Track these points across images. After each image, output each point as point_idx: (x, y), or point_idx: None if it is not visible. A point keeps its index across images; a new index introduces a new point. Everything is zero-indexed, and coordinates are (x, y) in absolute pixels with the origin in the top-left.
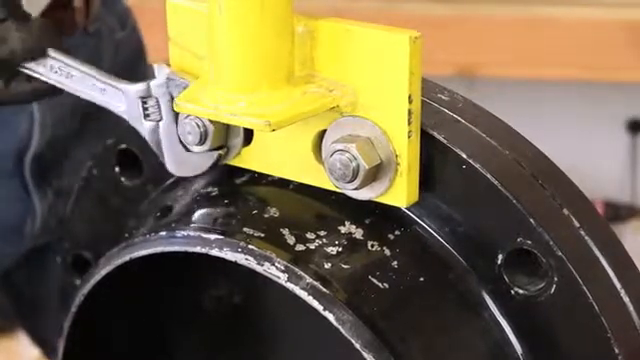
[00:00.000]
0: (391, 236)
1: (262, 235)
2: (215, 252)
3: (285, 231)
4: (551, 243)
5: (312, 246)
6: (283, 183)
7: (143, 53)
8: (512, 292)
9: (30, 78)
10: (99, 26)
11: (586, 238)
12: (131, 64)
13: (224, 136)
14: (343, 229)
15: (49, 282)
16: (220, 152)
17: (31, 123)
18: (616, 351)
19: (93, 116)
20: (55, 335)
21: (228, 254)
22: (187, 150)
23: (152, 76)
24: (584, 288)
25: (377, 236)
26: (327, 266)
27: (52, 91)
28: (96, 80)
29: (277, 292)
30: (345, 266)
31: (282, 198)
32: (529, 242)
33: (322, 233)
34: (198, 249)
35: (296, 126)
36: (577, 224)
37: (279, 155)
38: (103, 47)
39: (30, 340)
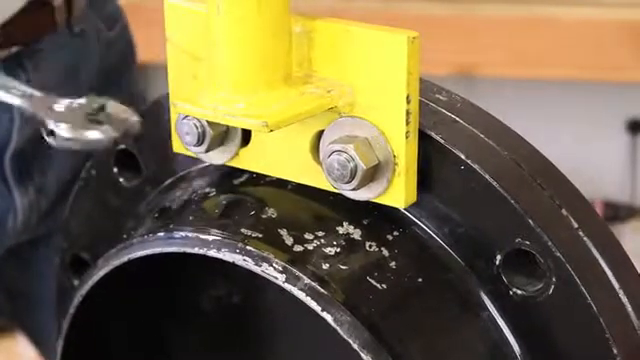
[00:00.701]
0: (389, 237)
1: (260, 236)
2: (213, 253)
3: (283, 232)
4: (549, 244)
5: (310, 247)
6: (281, 184)
7: (133, 54)
8: (510, 292)
9: None
10: (84, 27)
11: (584, 239)
12: (121, 65)
13: (222, 136)
14: (341, 230)
15: (35, 280)
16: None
17: (10, 120)
18: (614, 351)
19: None
20: (46, 333)
21: (226, 255)
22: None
23: (138, 77)
24: (582, 289)
25: (375, 237)
26: (325, 267)
27: None
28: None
29: (275, 293)
30: (343, 267)
31: (280, 199)
32: (527, 243)
33: (320, 234)
34: (196, 250)
35: (294, 127)
36: (575, 225)
37: (277, 156)
38: (90, 48)
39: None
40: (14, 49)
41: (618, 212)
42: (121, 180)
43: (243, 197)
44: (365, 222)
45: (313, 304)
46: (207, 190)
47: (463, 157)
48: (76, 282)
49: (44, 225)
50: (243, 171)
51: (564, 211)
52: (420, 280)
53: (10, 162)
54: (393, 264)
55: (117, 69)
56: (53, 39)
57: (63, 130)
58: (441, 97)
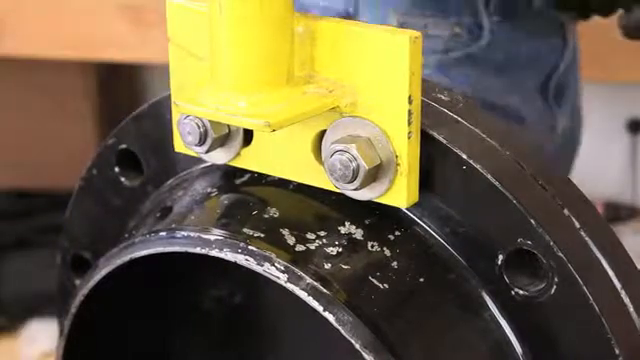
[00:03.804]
0: (391, 236)
1: (262, 235)
2: (215, 253)
3: (285, 231)
4: (551, 244)
5: (312, 246)
6: (283, 183)
7: None
8: (512, 293)
9: None
10: None
11: (587, 239)
12: None
13: (224, 136)
14: (343, 229)
15: None
16: None
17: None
18: (616, 352)
19: None
20: None
21: (228, 254)
22: None
23: None
24: (584, 289)
25: (377, 236)
26: (327, 266)
27: None
28: None
29: (277, 292)
30: (345, 266)
31: (282, 198)
32: (529, 243)
33: (322, 233)
34: (198, 250)
35: (296, 126)
36: (578, 225)
37: (279, 155)
38: None
39: None
40: None
41: (619, 213)
42: (123, 180)
43: (245, 197)
44: (367, 222)
45: (315, 304)
46: (209, 190)
47: (465, 157)
48: (77, 282)
49: None
50: (245, 171)
51: (566, 211)
52: (422, 280)
53: (553, 89)
54: (395, 264)
55: None
56: None
57: None
58: (443, 97)
